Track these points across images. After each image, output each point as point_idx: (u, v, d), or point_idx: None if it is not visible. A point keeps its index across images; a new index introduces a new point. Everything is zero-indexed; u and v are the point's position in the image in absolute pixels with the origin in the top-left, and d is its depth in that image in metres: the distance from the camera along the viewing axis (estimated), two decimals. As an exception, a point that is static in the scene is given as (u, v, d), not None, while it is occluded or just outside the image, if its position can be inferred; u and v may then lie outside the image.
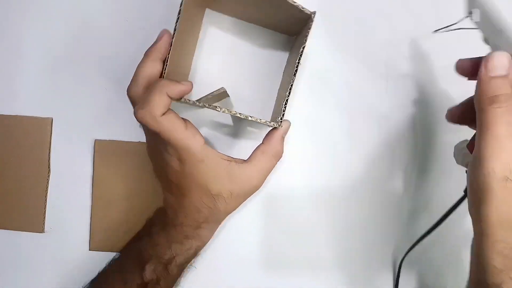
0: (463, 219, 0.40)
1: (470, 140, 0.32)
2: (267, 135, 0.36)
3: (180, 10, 0.33)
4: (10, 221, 0.42)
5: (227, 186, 0.34)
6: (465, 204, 0.34)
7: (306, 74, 0.42)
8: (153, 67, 0.32)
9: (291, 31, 0.41)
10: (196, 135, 0.32)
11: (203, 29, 0.41)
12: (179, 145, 0.31)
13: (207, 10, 0.41)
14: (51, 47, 0.43)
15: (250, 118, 0.33)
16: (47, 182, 0.42)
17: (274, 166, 0.36)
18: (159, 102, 0.30)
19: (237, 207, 0.36)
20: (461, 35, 0.34)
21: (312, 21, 0.34)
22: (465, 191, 0.34)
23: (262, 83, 0.41)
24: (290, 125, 0.36)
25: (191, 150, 0.32)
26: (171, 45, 0.33)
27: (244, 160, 0.35)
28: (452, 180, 0.41)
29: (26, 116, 0.42)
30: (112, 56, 0.42)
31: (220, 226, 0.38)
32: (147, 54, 0.33)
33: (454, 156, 0.35)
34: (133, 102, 0.33)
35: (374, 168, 0.41)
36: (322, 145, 0.42)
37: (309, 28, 0.34)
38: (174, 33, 0.33)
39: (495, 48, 0.30)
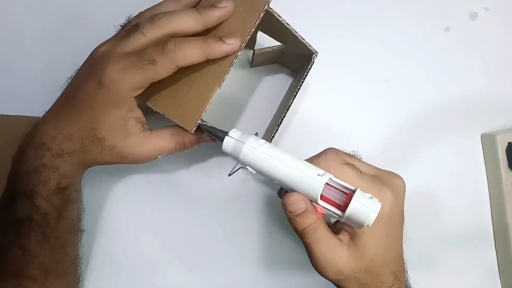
0: (435, 220, 0.44)
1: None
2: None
3: None
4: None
5: (116, 139, 0.32)
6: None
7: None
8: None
9: (294, 66, 0.44)
10: (138, 89, 0.31)
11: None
12: (111, 81, 0.30)
13: None
14: (52, 47, 0.43)
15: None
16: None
17: (167, 153, 0.35)
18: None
19: (107, 163, 0.34)
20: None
21: (316, 56, 0.37)
22: None
23: (262, 104, 0.44)
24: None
25: (119, 91, 0.30)
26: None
27: (152, 131, 0.34)
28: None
29: (26, 116, 0.41)
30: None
31: (81, 176, 0.35)
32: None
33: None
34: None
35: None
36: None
37: (312, 62, 0.38)
38: None
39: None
